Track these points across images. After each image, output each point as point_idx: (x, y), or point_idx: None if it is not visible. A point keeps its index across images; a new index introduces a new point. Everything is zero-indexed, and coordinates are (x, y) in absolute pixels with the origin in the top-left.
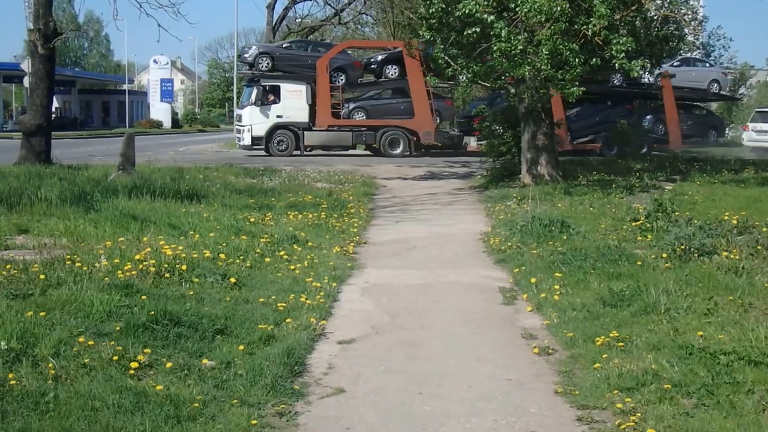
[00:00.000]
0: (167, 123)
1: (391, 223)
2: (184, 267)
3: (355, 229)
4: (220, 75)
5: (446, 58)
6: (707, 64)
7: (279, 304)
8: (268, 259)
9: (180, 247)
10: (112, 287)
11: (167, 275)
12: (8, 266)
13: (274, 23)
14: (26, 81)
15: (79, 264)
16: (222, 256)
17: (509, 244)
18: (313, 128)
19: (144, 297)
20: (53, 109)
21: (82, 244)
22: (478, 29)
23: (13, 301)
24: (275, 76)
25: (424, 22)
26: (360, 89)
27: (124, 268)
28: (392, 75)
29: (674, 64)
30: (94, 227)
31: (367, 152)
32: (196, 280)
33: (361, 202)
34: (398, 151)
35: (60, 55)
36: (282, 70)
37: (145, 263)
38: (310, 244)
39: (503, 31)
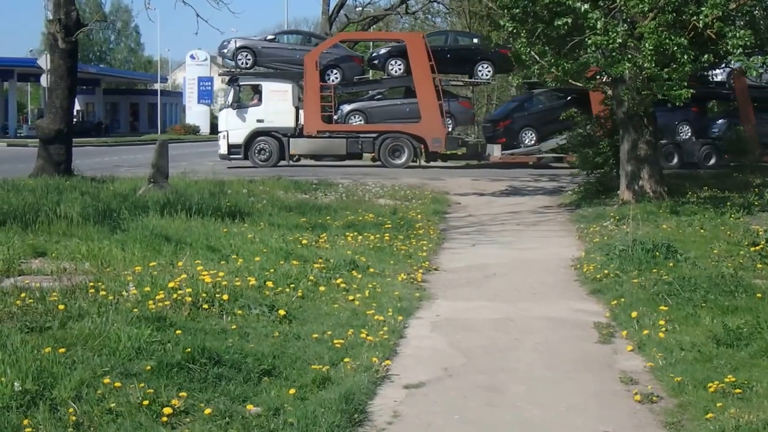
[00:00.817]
0: (205, 128)
1: (466, 246)
2: (225, 297)
3: (424, 254)
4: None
5: (532, 53)
6: None
7: (335, 341)
8: (322, 288)
9: (220, 274)
10: (142, 320)
11: (206, 306)
12: (23, 295)
13: (330, 12)
14: (44, 79)
15: (103, 293)
16: (269, 284)
17: (606, 272)
18: (301, 134)
19: (179, 331)
20: (74, 113)
21: (107, 270)
22: (569, 20)
23: (29, 335)
24: (257, 74)
25: (505, 11)
26: (359, 89)
27: (155, 297)
28: (396, 72)
29: None
30: (121, 250)
31: (374, 162)
32: (240, 312)
33: (430, 221)
34: (401, 160)
35: (83, 49)
36: (265, 66)
37: (180, 292)
38: (371, 270)
39: (599, 22)
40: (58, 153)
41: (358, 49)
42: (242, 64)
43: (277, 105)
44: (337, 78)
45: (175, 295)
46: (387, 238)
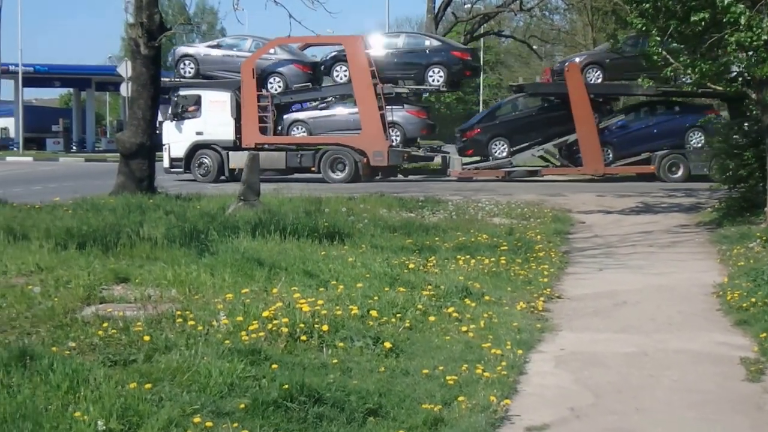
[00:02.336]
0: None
1: (593, 270)
2: (325, 327)
3: (546, 279)
4: None
5: (664, 53)
6: None
7: (448, 378)
8: (432, 318)
9: (319, 302)
10: (235, 353)
11: (304, 338)
12: (105, 324)
13: (436, 11)
14: (124, 88)
15: (192, 322)
16: (373, 313)
17: (753, 299)
18: (240, 147)
19: (275, 366)
20: (157, 124)
21: (195, 297)
22: (707, 15)
23: (112, 368)
24: (198, 84)
25: (633, 7)
26: (299, 98)
27: (248, 328)
28: (342, 78)
29: None
30: (210, 275)
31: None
32: (341, 344)
33: (552, 242)
34: (341, 175)
35: (164, 55)
36: (207, 75)
37: (275, 322)
38: (486, 298)
39: (743, 16)
40: (140, 168)
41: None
42: (184, 72)
43: (216, 116)
44: (280, 86)
45: (270, 326)
46: (503, 261)
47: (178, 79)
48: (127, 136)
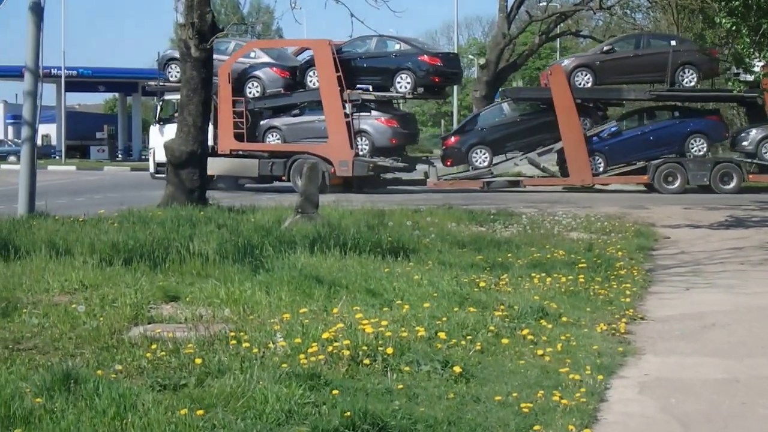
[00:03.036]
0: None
1: (679, 290)
2: (389, 350)
3: (628, 299)
4: None
5: (756, 54)
6: None
7: (523, 405)
8: (505, 341)
9: (383, 323)
10: (293, 377)
11: (366, 361)
12: (153, 346)
13: (508, 9)
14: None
15: (247, 344)
16: (441, 335)
17: None
18: (216, 153)
19: (336, 392)
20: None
21: (250, 317)
22: None
23: (162, 393)
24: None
25: (722, 5)
26: (273, 104)
27: (307, 350)
28: (315, 84)
29: None
30: (266, 293)
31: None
32: (407, 368)
33: (634, 259)
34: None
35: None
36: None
37: (336, 344)
38: (564, 319)
39: None
40: (190, 179)
41: None
42: (171, 76)
43: None
44: (258, 91)
45: (330, 348)
46: (582, 279)
47: (162, 83)
48: (176, 143)
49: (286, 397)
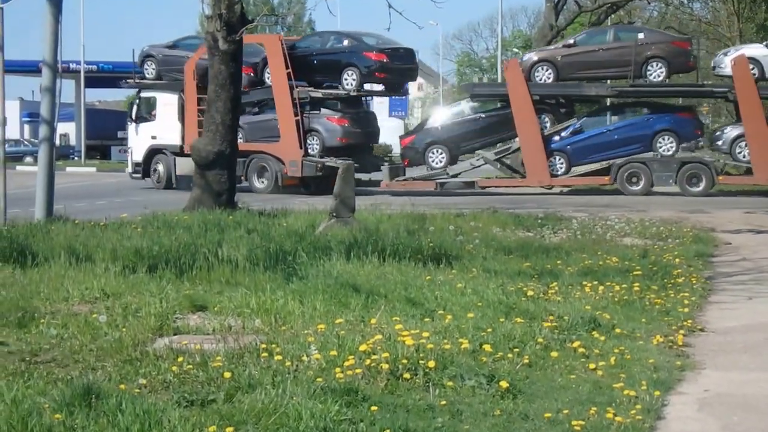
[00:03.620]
0: (398, 148)
1: (741, 299)
2: (431, 364)
3: (686, 309)
4: (475, 76)
5: None
6: None
7: (574, 423)
8: (555, 354)
9: (424, 334)
10: (328, 392)
11: (407, 376)
12: (180, 359)
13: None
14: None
15: (279, 357)
16: (486, 347)
17: None
18: (185, 153)
19: (374, 408)
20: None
21: (282, 328)
22: None
23: (188, 409)
24: (157, 86)
25: None
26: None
27: (343, 364)
28: (270, 81)
29: None
30: (300, 303)
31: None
32: (450, 383)
33: (692, 267)
34: (264, 185)
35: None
36: (166, 77)
37: (374, 357)
38: (617, 330)
39: None
40: (218, 181)
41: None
42: (147, 73)
43: (168, 120)
44: None
45: (368, 361)
46: (636, 288)
47: (137, 81)
48: (203, 143)
49: (321, 414)
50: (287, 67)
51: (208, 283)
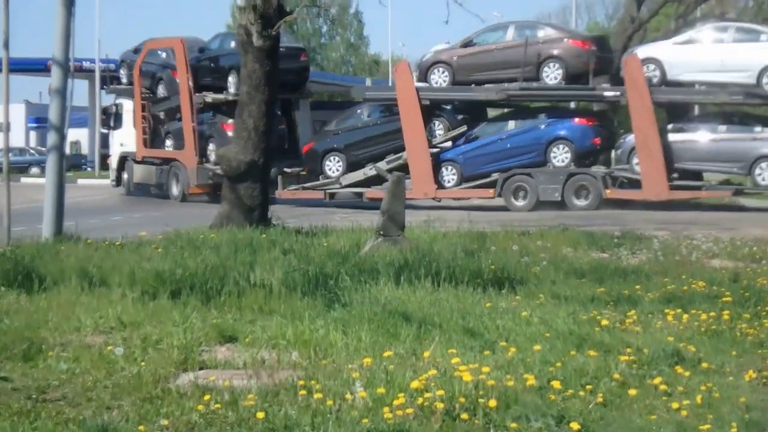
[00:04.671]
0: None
1: None
2: (492, 403)
3: None
4: None
5: None
6: (763, 36)
7: None
8: (633, 392)
9: (484, 369)
10: None
11: (464, 416)
12: (207, 397)
13: None
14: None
15: (319, 395)
16: (555, 384)
17: None
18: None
19: None
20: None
21: (323, 362)
22: None
23: None
24: (123, 92)
25: None
26: (165, 107)
27: (393, 402)
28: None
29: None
30: (343, 333)
31: None
32: (514, 425)
33: None
34: (176, 192)
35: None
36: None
37: (427, 395)
38: (704, 365)
39: None
40: (250, 194)
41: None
42: (123, 80)
43: (131, 127)
44: (163, 93)
45: (420, 400)
46: (726, 317)
47: (111, 87)
48: (233, 152)
49: None
50: (187, 72)
51: (238, 310)
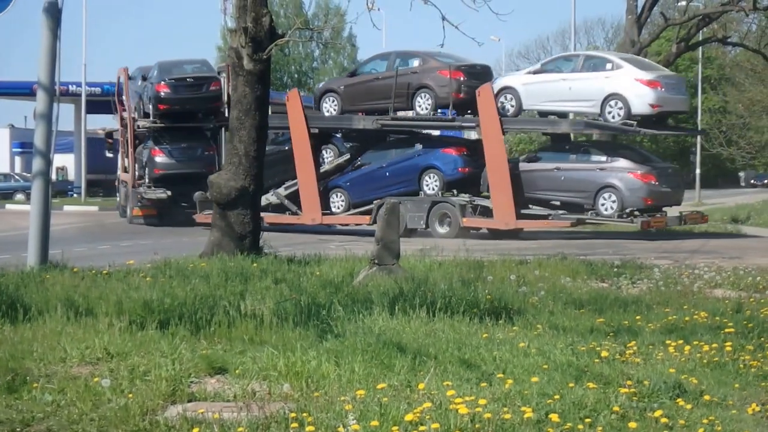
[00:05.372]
0: None
1: None
2: None
3: None
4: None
5: None
6: (609, 65)
7: None
8: (633, 425)
9: (481, 402)
10: None
11: None
12: (195, 430)
13: (639, 10)
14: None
15: (311, 428)
16: (554, 417)
17: None
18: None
19: None
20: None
21: (315, 394)
22: None
23: None
24: None
25: None
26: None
27: None
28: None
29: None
30: (335, 365)
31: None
32: None
33: None
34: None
35: (275, 70)
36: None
37: (422, 428)
38: (706, 398)
39: None
40: (241, 222)
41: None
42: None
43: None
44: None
45: None
46: (729, 348)
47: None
48: (224, 178)
49: None
50: (128, 99)
51: (228, 341)
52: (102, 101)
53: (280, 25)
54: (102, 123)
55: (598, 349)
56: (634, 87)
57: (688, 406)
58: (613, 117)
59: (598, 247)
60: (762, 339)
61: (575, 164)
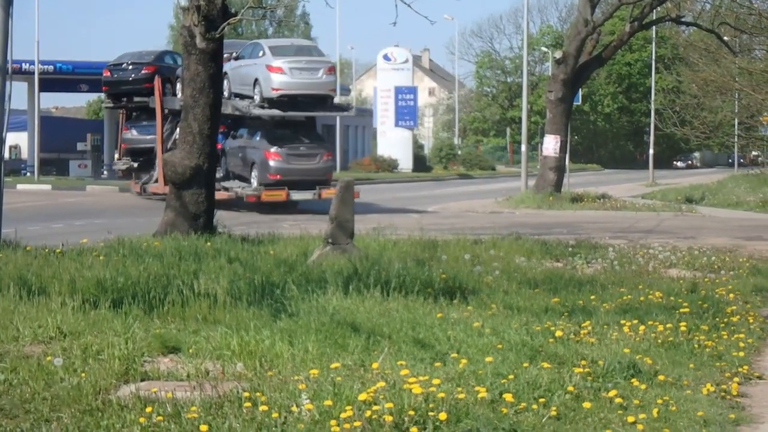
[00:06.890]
0: (406, 163)
1: None
2: (442, 416)
3: (741, 353)
4: (496, 79)
5: None
6: (261, 53)
7: None
8: (587, 405)
9: (435, 381)
10: None
11: (414, 430)
12: (149, 409)
13: None
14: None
15: (264, 408)
16: (507, 397)
17: None
18: None
19: None
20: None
21: (269, 374)
22: None
23: None
24: None
25: None
26: None
27: (340, 415)
28: None
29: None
30: (289, 344)
31: None
32: None
33: (749, 303)
34: None
35: (227, 49)
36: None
37: (376, 408)
38: (660, 378)
39: None
40: (195, 201)
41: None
42: None
43: None
44: None
45: (368, 413)
46: (683, 328)
47: None
48: (178, 157)
49: None
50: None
51: (182, 320)
52: (54, 79)
53: (233, 4)
54: (54, 101)
55: (552, 328)
56: (264, 73)
57: (643, 386)
58: (256, 100)
59: (554, 227)
60: (717, 319)
61: (243, 142)
